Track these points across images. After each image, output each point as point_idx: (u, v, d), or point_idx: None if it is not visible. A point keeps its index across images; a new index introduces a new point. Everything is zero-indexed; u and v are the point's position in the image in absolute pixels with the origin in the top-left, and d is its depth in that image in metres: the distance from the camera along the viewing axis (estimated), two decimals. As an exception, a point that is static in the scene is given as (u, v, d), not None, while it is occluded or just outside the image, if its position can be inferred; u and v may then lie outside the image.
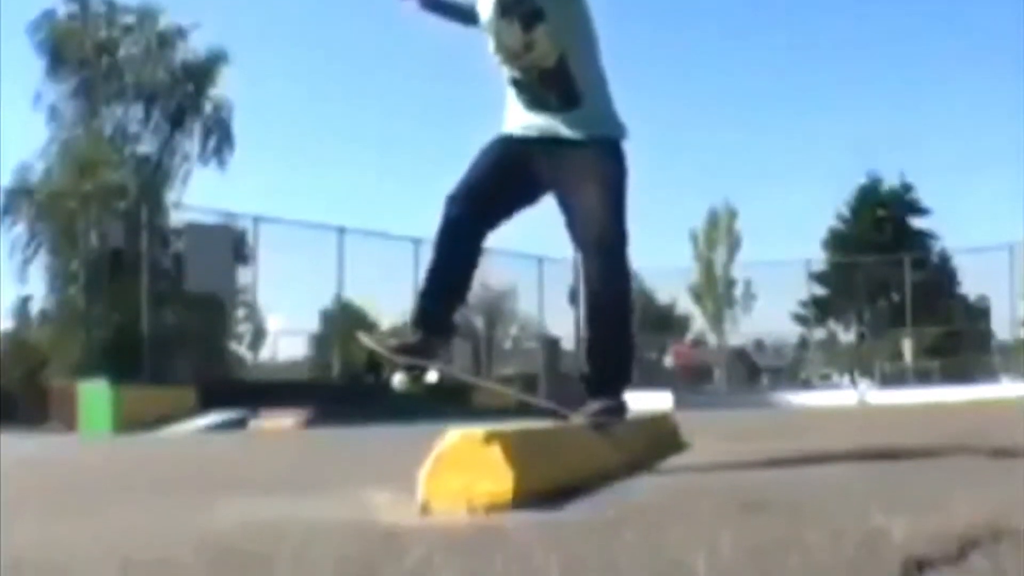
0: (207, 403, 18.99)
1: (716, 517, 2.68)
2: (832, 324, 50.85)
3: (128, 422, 16.66)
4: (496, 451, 3.05)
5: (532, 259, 33.43)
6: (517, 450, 3.13)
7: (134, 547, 2.59)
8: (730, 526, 2.53)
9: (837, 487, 3.45)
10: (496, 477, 3.02)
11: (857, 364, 43.04)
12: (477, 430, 3.12)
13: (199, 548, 2.47)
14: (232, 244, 28.55)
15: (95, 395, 18.64)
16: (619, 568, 2.03)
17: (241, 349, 34.48)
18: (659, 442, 5.04)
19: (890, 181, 53.05)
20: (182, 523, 3.13)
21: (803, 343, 46.41)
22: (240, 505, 3.49)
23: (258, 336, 33.30)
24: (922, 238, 50.98)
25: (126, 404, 18.03)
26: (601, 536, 2.50)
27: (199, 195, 33.66)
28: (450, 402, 22.22)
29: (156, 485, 5.11)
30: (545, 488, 3.19)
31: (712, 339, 46.52)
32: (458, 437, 3.10)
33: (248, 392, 20.86)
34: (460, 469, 3.06)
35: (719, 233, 48.41)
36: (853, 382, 39.45)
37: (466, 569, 2.05)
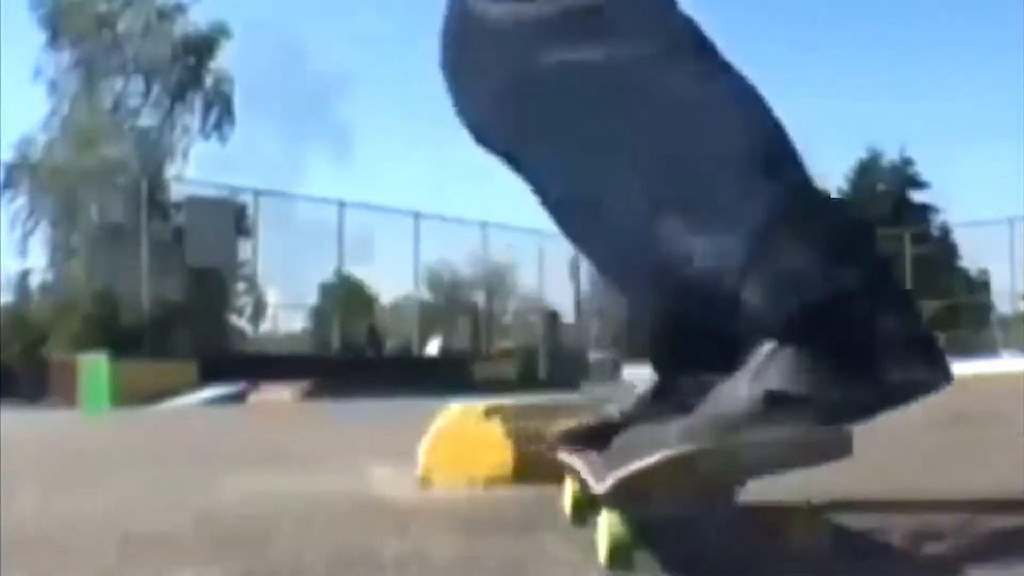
0: (207, 377, 18.97)
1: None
2: None
3: (128, 396, 16.61)
4: (496, 425, 3.04)
5: (532, 233, 33.41)
6: (517, 424, 3.12)
7: (133, 521, 2.58)
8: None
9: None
10: (496, 452, 3.01)
11: None
12: (477, 404, 3.11)
13: (198, 522, 2.46)
14: (233, 217, 28.48)
15: (95, 369, 18.60)
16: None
17: (241, 322, 34.49)
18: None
19: (890, 156, 52.83)
20: (180, 497, 3.12)
21: None
22: (238, 479, 3.47)
23: (258, 309, 33.32)
24: (922, 212, 50.69)
25: (126, 378, 17.98)
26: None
27: (200, 169, 33.47)
28: (450, 375, 22.33)
29: (154, 459, 5.10)
30: (547, 463, 3.18)
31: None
32: (458, 411, 3.10)
33: (248, 365, 20.84)
34: (460, 443, 3.05)
35: None
36: None
37: (463, 544, 2.03)
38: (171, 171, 34.35)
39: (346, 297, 32.89)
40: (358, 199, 31.77)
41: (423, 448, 3.06)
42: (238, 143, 36.15)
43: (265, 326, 33.64)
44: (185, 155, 35.54)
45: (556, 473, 3.11)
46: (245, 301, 33.53)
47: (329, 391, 16.58)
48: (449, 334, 32.82)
